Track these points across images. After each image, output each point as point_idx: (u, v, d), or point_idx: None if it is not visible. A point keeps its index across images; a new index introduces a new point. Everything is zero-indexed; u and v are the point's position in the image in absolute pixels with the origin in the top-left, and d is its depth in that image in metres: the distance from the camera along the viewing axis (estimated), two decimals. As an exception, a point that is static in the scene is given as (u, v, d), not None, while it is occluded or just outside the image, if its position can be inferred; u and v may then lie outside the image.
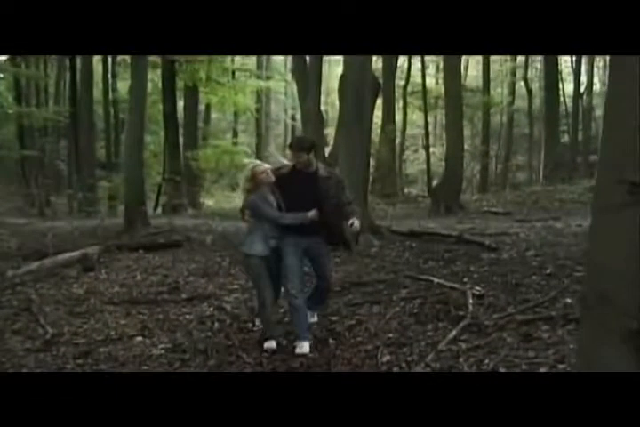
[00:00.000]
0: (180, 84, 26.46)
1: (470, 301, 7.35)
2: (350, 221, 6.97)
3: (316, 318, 7.61)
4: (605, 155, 2.69)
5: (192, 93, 28.10)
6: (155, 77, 25.15)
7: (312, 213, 6.70)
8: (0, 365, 6.52)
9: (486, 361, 5.71)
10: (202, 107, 34.31)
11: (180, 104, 28.29)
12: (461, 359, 5.85)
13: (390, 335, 6.83)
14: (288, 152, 7.32)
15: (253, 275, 7.17)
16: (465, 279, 8.46)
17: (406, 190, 35.05)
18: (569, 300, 7.09)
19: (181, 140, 26.14)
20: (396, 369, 5.91)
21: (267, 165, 7.10)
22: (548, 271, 8.43)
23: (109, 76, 31.63)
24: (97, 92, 30.94)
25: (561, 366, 5.32)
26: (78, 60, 27.27)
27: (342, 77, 12.80)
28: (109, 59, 30.68)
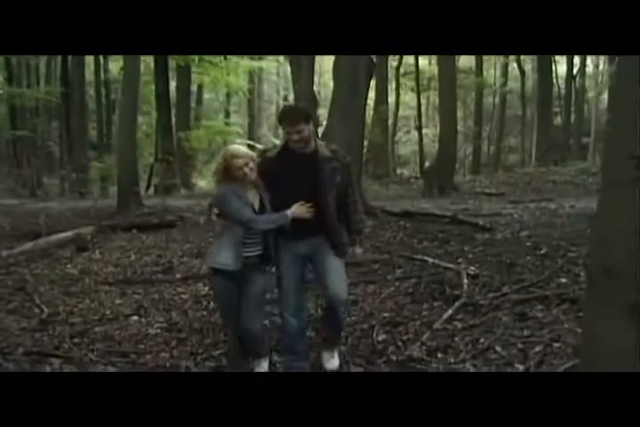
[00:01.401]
0: (172, 64, 26.32)
1: (465, 280, 7.38)
2: (352, 250, 5.68)
3: (336, 362, 5.66)
4: (614, 131, 2.69)
5: (184, 74, 27.99)
6: (146, 58, 24.99)
7: (295, 210, 5.09)
8: (-4, 344, 6.53)
9: (482, 340, 5.76)
10: (194, 87, 34.20)
11: (173, 84, 28.18)
12: (457, 338, 5.90)
13: (386, 315, 6.85)
14: (283, 129, 5.26)
15: (216, 297, 5.75)
16: (459, 259, 8.48)
17: (398, 171, 35.13)
18: (563, 280, 7.13)
19: (174, 120, 26.03)
20: (391, 348, 5.94)
21: (241, 160, 5.04)
22: (542, 252, 8.46)
23: (101, 56, 31.47)
24: (88, 73, 30.84)
25: (556, 345, 5.38)
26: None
27: (337, 57, 12.74)
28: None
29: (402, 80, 35.99)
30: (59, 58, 31.62)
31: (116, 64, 32.75)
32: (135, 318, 7.44)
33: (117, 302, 8.13)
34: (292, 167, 5.20)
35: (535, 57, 34.02)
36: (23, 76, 33.96)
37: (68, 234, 11.73)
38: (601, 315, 2.70)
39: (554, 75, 32.97)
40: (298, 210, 5.08)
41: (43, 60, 35.79)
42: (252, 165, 5.02)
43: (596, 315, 2.77)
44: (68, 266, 10.15)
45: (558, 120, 36.16)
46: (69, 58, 28.07)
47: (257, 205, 5.13)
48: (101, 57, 31.64)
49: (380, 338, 6.23)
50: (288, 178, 5.18)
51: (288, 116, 5.20)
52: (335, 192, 5.28)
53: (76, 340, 6.69)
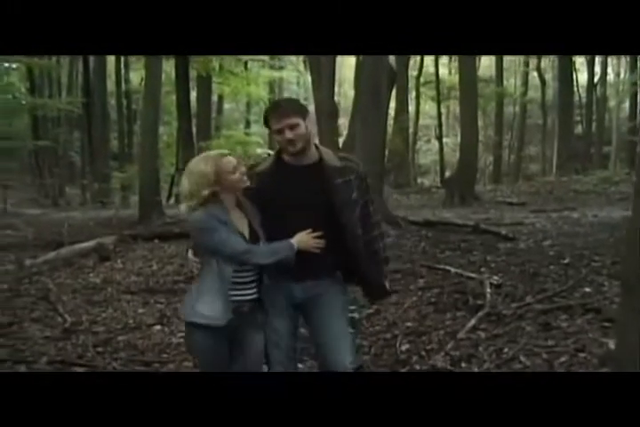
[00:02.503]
0: (192, 74, 26.45)
1: (488, 290, 7.33)
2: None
3: None
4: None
5: (205, 84, 28.07)
6: (167, 68, 25.13)
7: (301, 239, 3.73)
8: (20, 353, 6.56)
9: (506, 350, 5.70)
10: (214, 97, 34.33)
11: (193, 95, 28.30)
12: (481, 348, 5.84)
13: (409, 324, 6.82)
14: (271, 130, 3.86)
15: (200, 361, 4.01)
16: (482, 269, 8.43)
17: (419, 181, 35.10)
18: (587, 289, 7.07)
19: (194, 130, 26.12)
20: (415, 358, 5.91)
21: (231, 157, 3.80)
22: (565, 261, 8.41)
23: (122, 66, 31.72)
24: (110, 83, 31.09)
25: (581, 355, 5.32)
26: (91, 51, 27.34)
27: (359, 66, 12.77)
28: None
29: (422, 89, 36.04)
30: (80, 68, 31.88)
31: (137, 74, 33.02)
32: (158, 327, 7.46)
33: (140, 311, 8.16)
34: (290, 184, 3.87)
35: (556, 65, 33.99)
36: (45, 87, 34.29)
37: (91, 243, 11.81)
38: (635, 321, 2.68)
39: (574, 83, 32.84)
40: (305, 239, 3.74)
41: (64, 70, 36.12)
42: (243, 169, 3.79)
43: (630, 321, 2.75)
44: (91, 275, 10.21)
45: (579, 129, 36.02)
46: (91, 68, 28.29)
47: (247, 232, 3.77)
48: (122, 67, 31.87)
49: (404, 348, 6.19)
50: (285, 198, 3.83)
51: (276, 110, 3.85)
52: (354, 214, 3.94)
53: (99, 349, 6.72)
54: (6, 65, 32.16)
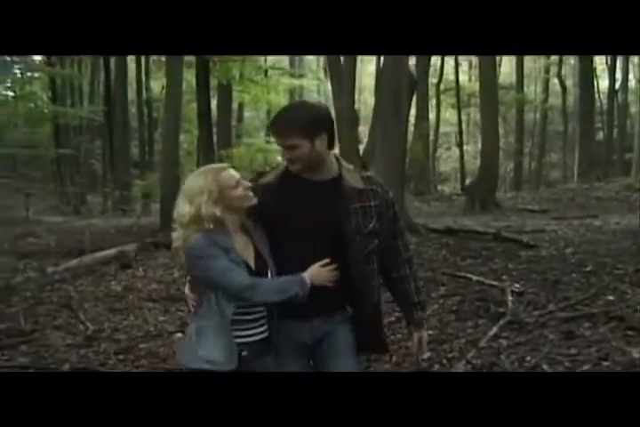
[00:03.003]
0: (213, 82, 26.56)
1: (510, 298, 7.30)
2: (417, 336, 3.50)
3: None
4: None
5: (225, 92, 28.18)
6: (188, 76, 25.27)
7: (314, 273, 3.09)
8: (42, 360, 6.58)
9: (528, 358, 5.66)
10: (235, 105, 34.44)
11: (214, 103, 28.41)
12: (503, 356, 5.81)
13: (430, 332, 6.75)
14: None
15: None
16: (504, 277, 8.40)
17: (439, 188, 35.05)
18: (610, 297, 7.03)
19: (215, 138, 26.21)
20: (437, 366, 5.89)
21: (233, 171, 3.18)
22: (587, 269, 8.36)
23: (143, 74, 31.92)
24: (130, 92, 31.28)
25: (605, 364, 5.28)
26: (112, 60, 27.60)
27: (379, 73, 12.78)
28: (143, 58, 31.05)
29: (442, 97, 36.00)
30: (102, 77, 32.11)
31: (158, 82, 33.21)
32: (179, 335, 7.45)
33: (161, 318, 8.17)
34: (297, 201, 3.24)
35: (577, 72, 33.83)
36: (67, 96, 34.55)
37: (112, 251, 11.86)
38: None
39: (596, 90, 32.72)
40: (318, 273, 3.11)
41: (86, 79, 36.39)
42: (247, 184, 3.17)
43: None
44: (112, 283, 10.23)
45: (600, 136, 35.87)
46: (112, 77, 28.46)
47: (252, 261, 3.16)
48: (143, 76, 32.06)
49: (425, 356, 6.16)
50: (289, 217, 3.22)
51: (274, 123, 3.23)
52: (367, 247, 3.27)
53: (120, 356, 6.72)
54: (29, 74, 32.52)
